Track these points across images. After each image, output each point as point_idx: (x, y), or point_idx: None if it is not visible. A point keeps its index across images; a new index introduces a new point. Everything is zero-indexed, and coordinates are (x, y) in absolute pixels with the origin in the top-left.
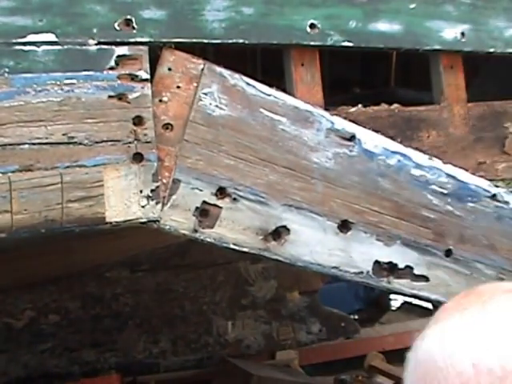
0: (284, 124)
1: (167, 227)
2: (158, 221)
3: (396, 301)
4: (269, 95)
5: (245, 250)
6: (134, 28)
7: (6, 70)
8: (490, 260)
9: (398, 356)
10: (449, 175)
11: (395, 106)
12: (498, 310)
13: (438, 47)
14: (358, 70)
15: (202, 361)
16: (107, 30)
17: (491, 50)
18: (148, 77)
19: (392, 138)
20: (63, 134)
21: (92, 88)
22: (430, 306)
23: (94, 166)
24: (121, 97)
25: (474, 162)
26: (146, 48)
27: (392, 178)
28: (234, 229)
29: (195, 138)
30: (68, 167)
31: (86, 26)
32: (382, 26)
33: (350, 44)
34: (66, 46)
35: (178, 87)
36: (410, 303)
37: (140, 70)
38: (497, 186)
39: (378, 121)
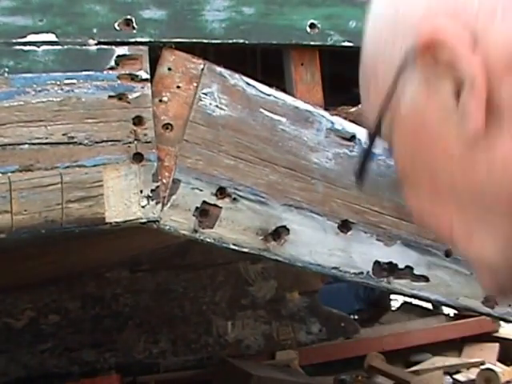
0: (284, 124)
1: (167, 227)
2: (158, 221)
3: (396, 301)
4: (269, 95)
5: (245, 250)
6: (134, 28)
7: (6, 69)
8: None
9: (398, 356)
10: None
11: None
12: None
13: None
14: (358, 70)
15: (201, 361)
16: (107, 30)
17: None
18: (148, 77)
19: None
20: (63, 134)
21: (92, 88)
22: (430, 306)
23: (94, 165)
24: (121, 97)
25: None
26: (146, 48)
27: (392, 178)
28: (234, 229)
29: (195, 138)
30: (68, 167)
31: (86, 26)
32: None
33: (351, 44)
34: (65, 46)
35: (178, 87)
36: (410, 303)
37: (140, 70)
38: None
39: None
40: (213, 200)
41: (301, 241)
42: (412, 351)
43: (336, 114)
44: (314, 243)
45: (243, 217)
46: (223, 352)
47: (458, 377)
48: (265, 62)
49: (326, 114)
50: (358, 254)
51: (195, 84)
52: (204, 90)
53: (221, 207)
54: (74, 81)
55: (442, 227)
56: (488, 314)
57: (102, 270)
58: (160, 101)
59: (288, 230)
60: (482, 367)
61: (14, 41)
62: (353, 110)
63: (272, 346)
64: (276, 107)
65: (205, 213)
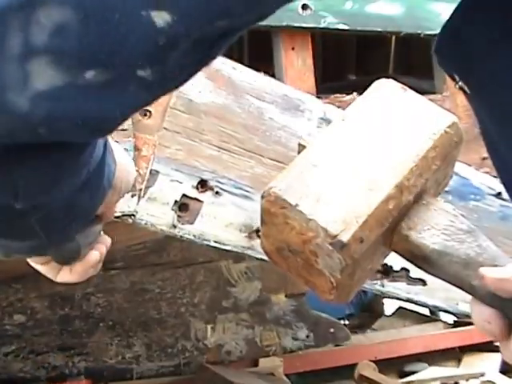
0: (272, 112)
1: (143, 222)
2: (134, 215)
3: (390, 306)
4: (256, 81)
5: (227, 247)
6: None
7: None
8: None
9: (391, 366)
10: None
11: None
12: None
13: None
14: (353, 55)
15: (178, 367)
16: None
17: None
18: None
19: None
20: None
21: None
22: (427, 311)
23: None
24: None
25: (477, 157)
26: None
27: None
28: (216, 225)
29: (175, 125)
30: None
31: None
32: (381, 7)
33: (346, 27)
34: None
35: None
36: (406, 309)
37: None
38: None
39: None
40: (193, 193)
41: None
42: (407, 360)
43: (329, 103)
44: None
45: (226, 212)
46: (202, 358)
47: None
48: (252, 46)
49: (317, 102)
50: None
51: None
52: None
53: (202, 201)
54: None
55: None
56: None
57: None
58: None
59: None
60: (483, 379)
61: None
62: (347, 98)
63: (255, 352)
64: (263, 94)
65: (185, 207)
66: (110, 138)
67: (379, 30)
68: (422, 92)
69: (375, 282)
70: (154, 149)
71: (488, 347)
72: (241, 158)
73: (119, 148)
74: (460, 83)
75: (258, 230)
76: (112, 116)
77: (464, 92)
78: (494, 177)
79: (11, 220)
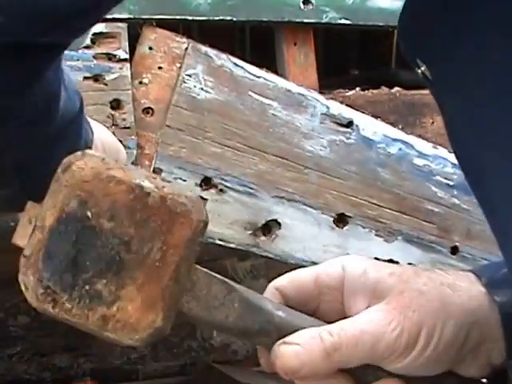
0: (275, 109)
1: None
2: None
3: None
4: (258, 77)
5: (232, 245)
6: None
7: None
8: (500, 258)
9: None
10: (455, 165)
11: (396, 89)
12: None
13: None
14: (356, 50)
15: (184, 367)
16: None
17: None
18: (127, 56)
19: (393, 124)
20: None
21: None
22: None
23: None
24: (97, 78)
25: None
26: (124, 25)
27: (393, 167)
28: (221, 223)
29: (178, 123)
30: None
31: None
32: (382, 1)
33: (348, 21)
34: None
35: (160, 68)
36: None
37: (118, 49)
38: None
39: (377, 105)
40: (197, 191)
41: (293, 236)
42: None
43: (332, 98)
44: (308, 238)
45: (230, 209)
46: (208, 357)
47: None
48: (254, 42)
49: (320, 97)
50: (355, 251)
51: (178, 65)
52: (188, 72)
53: (206, 199)
54: None
55: None
56: None
57: None
58: (140, 83)
59: (279, 224)
60: None
61: None
62: (350, 93)
63: None
64: (266, 90)
65: None
66: (93, 121)
67: (381, 24)
68: (425, 86)
69: None
70: (156, 147)
71: None
72: (244, 155)
73: (104, 128)
74: (423, 68)
75: (262, 228)
76: (60, 5)
77: (426, 79)
78: None
79: None
